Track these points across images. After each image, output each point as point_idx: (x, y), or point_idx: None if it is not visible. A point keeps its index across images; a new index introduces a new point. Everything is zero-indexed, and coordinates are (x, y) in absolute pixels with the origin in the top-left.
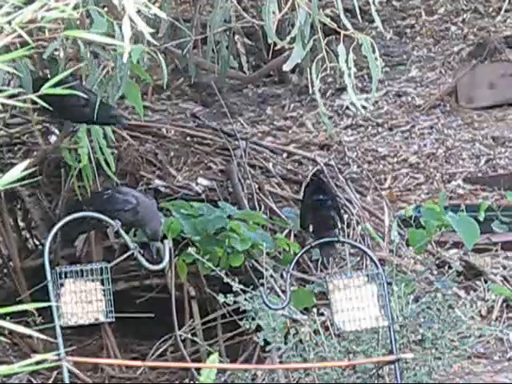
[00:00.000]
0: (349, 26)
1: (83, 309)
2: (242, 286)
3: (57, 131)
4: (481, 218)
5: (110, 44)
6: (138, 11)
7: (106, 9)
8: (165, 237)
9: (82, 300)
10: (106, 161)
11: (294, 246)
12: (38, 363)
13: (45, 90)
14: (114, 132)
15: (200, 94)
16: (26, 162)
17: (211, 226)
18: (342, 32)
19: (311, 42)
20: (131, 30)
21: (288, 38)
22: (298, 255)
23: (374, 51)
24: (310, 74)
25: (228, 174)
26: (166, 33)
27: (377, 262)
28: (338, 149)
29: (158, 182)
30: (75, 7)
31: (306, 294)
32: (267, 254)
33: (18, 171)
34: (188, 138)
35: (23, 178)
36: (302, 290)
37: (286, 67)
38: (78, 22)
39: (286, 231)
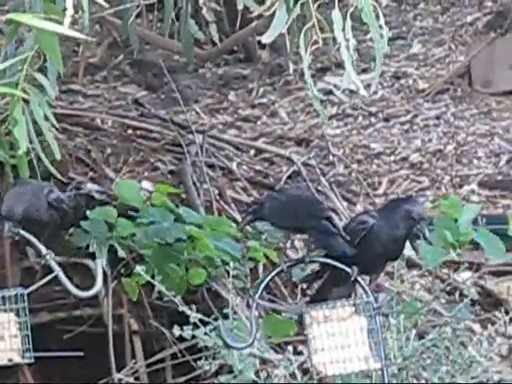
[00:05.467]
0: None
1: None
2: (200, 316)
3: None
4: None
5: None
6: None
7: None
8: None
9: None
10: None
11: (271, 253)
12: None
13: None
14: (35, 123)
15: (144, 75)
16: None
17: (168, 235)
18: None
19: (298, 6)
20: None
21: (269, 2)
22: (267, 279)
23: (377, 17)
24: (298, 47)
25: (180, 176)
26: None
27: (366, 288)
28: (320, 144)
29: (90, 185)
30: None
31: (284, 321)
32: (233, 276)
33: None
34: (129, 131)
35: None
36: (276, 318)
37: (266, 39)
38: None
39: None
